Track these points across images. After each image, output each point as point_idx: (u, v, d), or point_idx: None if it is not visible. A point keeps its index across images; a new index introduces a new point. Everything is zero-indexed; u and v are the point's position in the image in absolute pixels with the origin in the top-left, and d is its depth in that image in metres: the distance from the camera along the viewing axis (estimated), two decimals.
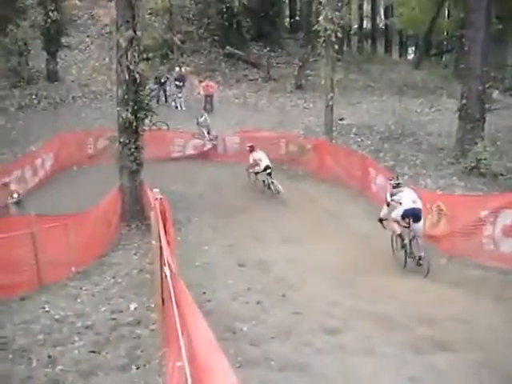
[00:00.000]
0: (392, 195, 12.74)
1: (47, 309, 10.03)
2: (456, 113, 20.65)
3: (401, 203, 12.48)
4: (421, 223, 12.44)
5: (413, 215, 12.27)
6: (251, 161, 19.34)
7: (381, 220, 12.94)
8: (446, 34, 39.42)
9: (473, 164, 18.60)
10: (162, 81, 27.50)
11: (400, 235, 12.69)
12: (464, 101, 20.01)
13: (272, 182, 18.71)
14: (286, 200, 18.09)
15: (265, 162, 19.00)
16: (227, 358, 2.93)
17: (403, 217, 12.42)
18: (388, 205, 12.89)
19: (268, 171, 18.82)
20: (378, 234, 13.71)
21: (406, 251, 12.50)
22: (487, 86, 20.20)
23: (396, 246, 12.98)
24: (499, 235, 12.08)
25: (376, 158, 20.34)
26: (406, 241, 12.51)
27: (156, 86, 26.77)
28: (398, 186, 12.95)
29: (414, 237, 12.42)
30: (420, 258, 12.07)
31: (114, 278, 11.98)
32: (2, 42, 27.97)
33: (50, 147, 20.85)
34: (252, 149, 19.60)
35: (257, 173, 19.27)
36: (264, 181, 19.08)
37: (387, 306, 9.60)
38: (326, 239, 14.59)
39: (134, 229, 15.56)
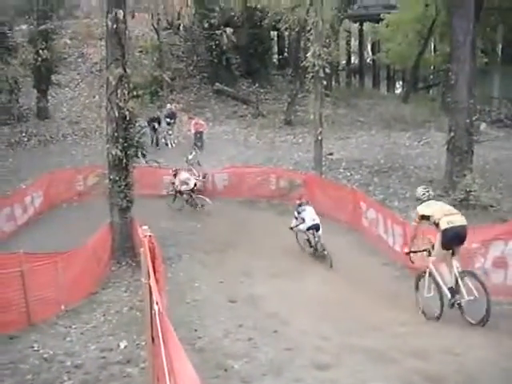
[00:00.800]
0: (298, 212, 16.98)
1: (36, 348, 9.92)
2: (444, 145, 20.80)
3: (304, 219, 16.71)
4: (320, 231, 16.51)
5: (315, 228, 16.50)
6: (177, 182, 20.98)
7: (291, 228, 17.05)
8: (432, 68, 39.87)
9: (462, 196, 18.66)
10: (155, 116, 27.31)
11: (308, 240, 16.89)
12: (452, 134, 20.17)
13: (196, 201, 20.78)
14: (277, 235, 18.06)
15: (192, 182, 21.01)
16: None
17: (308, 229, 16.63)
18: (296, 218, 17.00)
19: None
20: (368, 267, 13.71)
21: (314, 249, 16.67)
22: (474, 118, 20.41)
23: (305, 246, 17.11)
24: (490, 267, 12.09)
25: (366, 191, 20.41)
26: (313, 243, 16.64)
27: (147, 127, 26.68)
28: (300, 205, 17.23)
29: (317, 241, 16.50)
30: (323, 252, 16.14)
31: (103, 315, 11.88)
32: None
33: (39, 185, 20.82)
34: (176, 172, 21.21)
35: (181, 193, 20.93)
36: (187, 200, 20.90)
37: (376, 340, 9.55)
38: (316, 274, 14.57)
39: (124, 266, 15.48)
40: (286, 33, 35.66)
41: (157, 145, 27.15)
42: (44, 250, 13.18)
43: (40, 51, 28.07)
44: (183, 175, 21.13)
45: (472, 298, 10.17)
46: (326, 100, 23.30)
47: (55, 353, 9.59)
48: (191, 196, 20.94)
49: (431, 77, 41.26)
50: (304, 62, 22.25)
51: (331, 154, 25.40)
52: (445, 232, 10.26)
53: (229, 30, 30.15)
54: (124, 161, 15.51)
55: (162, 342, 4.34)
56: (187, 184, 20.81)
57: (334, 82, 38.62)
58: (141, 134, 16.58)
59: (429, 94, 40.34)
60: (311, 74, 21.49)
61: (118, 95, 15.02)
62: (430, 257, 10.93)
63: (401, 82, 45.76)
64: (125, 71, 15.05)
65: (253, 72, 36.11)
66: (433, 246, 10.83)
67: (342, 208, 19.30)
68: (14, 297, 11.20)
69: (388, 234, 16.50)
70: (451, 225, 10.23)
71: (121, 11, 14.66)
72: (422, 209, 10.79)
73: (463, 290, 10.32)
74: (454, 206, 18.28)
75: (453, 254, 10.55)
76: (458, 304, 10.43)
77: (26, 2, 29.41)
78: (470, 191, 18.60)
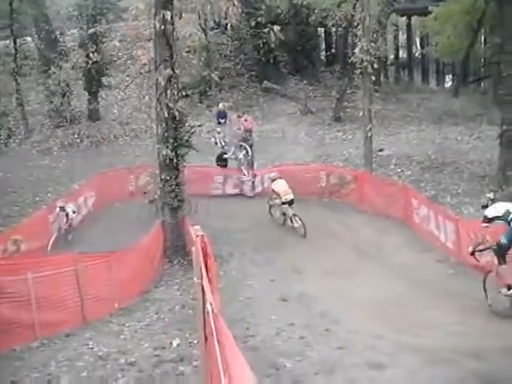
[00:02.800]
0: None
1: (91, 345, 10.11)
2: (497, 139, 20.40)
3: (279, 194, 18.42)
4: (293, 205, 18.22)
5: (289, 202, 18.18)
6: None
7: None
8: (483, 60, 39.04)
9: None
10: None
11: (284, 213, 18.55)
12: (504, 127, 19.78)
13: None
14: (328, 233, 17.98)
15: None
16: None
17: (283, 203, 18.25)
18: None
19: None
20: (421, 264, 13.53)
21: (290, 220, 18.29)
22: None
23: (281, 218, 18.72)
24: None
25: (417, 188, 20.16)
26: (290, 215, 18.26)
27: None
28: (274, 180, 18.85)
29: (293, 214, 18.16)
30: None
31: (156, 314, 12.03)
32: (46, 84, 28.71)
33: (92, 185, 21.15)
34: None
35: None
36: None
37: (431, 339, 9.41)
38: (368, 271, 14.45)
39: (176, 265, 15.62)
40: (333, 29, 35.40)
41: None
42: (98, 250, 13.40)
43: (90, 54, 28.44)
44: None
45: None
46: (374, 96, 22.98)
47: (109, 350, 9.75)
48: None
49: (482, 70, 40.36)
50: (352, 58, 22.02)
51: (381, 150, 25.13)
52: None
53: (276, 28, 30.14)
54: (174, 160, 15.65)
55: (217, 342, 4.36)
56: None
57: (382, 78, 38.08)
58: (190, 133, 16.67)
59: (480, 88, 39.46)
60: (359, 70, 21.29)
61: (168, 95, 15.17)
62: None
63: (451, 76, 44.86)
64: (173, 72, 15.18)
65: (301, 69, 35.93)
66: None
67: (393, 205, 19.10)
68: (69, 296, 11.45)
69: (440, 231, 16.27)
70: None
71: (168, 12, 14.79)
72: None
73: None
74: (508, 200, 18.17)
75: None
76: None
77: (75, 7, 29.87)
78: None
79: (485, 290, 11.46)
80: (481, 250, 11.45)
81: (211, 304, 4.85)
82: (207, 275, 5.46)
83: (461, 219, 15.82)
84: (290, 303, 12.38)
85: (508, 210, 11.09)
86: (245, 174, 22.61)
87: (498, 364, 8.25)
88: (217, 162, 23.71)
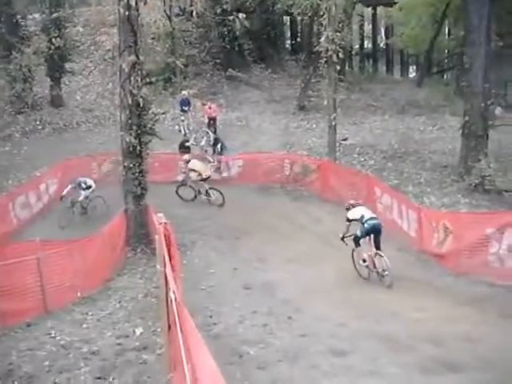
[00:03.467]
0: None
1: (53, 335, 10.02)
2: (459, 130, 20.66)
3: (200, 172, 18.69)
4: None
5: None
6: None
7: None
8: (446, 52, 39.48)
9: (477, 181, 18.58)
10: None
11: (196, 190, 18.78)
12: (467, 118, 20.01)
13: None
14: (291, 221, 18.07)
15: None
16: (234, 382, 2.91)
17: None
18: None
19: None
20: (384, 252, 13.66)
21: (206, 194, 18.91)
22: (489, 102, 20.21)
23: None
24: (505, 252, 12.06)
25: (380, 177, 20.34)
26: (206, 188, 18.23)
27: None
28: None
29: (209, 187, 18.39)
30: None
31: (119, 302, 11.97)
32: (7, 69, 28.17)
33: (54, 172, 20.89)
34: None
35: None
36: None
37: (392, 326, 9.54)
38: (330, 259, 14.56)
39: (139, 253, 15.53)
40: (299, 18, 35.34)
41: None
42: (59, 238, 13.27)
43: (53, 39, 27.97)
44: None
45: None
46: (339, 85, 23.05)
47: (72, 339, 9.68)
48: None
49: (445, 61, 40.85)
50: (317, 47, 22.09)
51: (345, 139, 25.27)
52: None
53: (241, 16, 29.94)
54: (138, 148, 15.52)
55: (180, 330, 4.36)
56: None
57: (347, 67, 38.33)
58: (154, 120, 16.55)
59: (443, 79, 39.97)
60: (324, 59, 21.34)
61: (132, 82, 15.01)
62: None
63: (415, 67, 45.38)
64: (138, 58, 15.02)
65: (265, 57, 35.90)
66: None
67: (356, 193, 19.24)
68: (31, 284, 11.31)
69: (403, 220, 16.46)
70: None
71: None
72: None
73: None
74: (469, 190, 18.49)
75: None
76: None
77: None
78: (485, 176, 18.52)
79: (353, 263, 14.01)
80: (346, 237, 14.01)
81: (174, 292, 4.85)
82: (170, 263, 5.45)
83: (423, 208, 16.02)
84: (253, 291, 12.43)
85: (363, 215, 13.75)
86: (210, 161, 22.59)
87: (457, 349, 8.41)
88: (179, 149, 23.66)
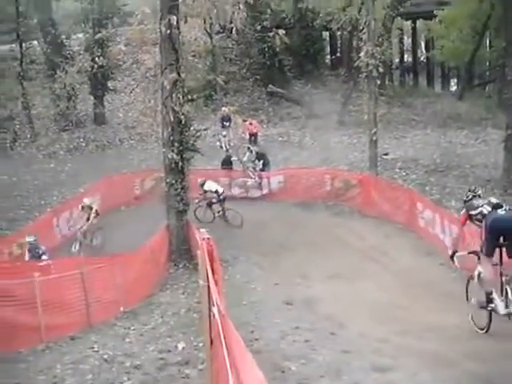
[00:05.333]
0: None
1: (96, 348, 10.14)
2: (502, 143, 20.39)
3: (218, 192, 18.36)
4: None
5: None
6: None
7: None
8: (488, 64, 39.03)
9: None
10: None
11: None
12: (509, 131, 19.78)
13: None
14: (333, 237, 17.98)
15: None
16: None
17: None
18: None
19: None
20: (425, 268, 13.56)
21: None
22: None
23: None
24: None
25: (422, 191, 20.15)
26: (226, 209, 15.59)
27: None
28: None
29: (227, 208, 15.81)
30: None
31: (161, 317, 12.06)
32: (51, 88, 28.81)
33: (97, 188, 21.19)
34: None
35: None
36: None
37: (434, 342, 9.41)
38: (373, 275, 14.46)
39: (181, 268, 15.65)
40: (338, 33, 35.48)
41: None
42: (104, 253, 13.45)
43: (96, 58, 28.60)
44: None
45: None
46: (379, 99, 23.06)
47: (114, 353, 9.77)
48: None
49: (487, 73, 40.34)
50: (357, 62, 22.11)
51: (386, 153, 25.12)
52: None
53: (281, 32, 30.06)
54: (180, 164, 15.69)
55: (225, 344, 4.38)
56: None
57: (387, 81, 38.08)
58: (196, 137, 16.72)
59: (485, 91, 39.44)
60: (365, 74, 21.33)
61: (173, 99, 15.21)
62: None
63: (456, 80, 44.82)
64: (179, 76, 15.23)
65: (306, 73, 35.96)
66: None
67: (398, 208, 19.10)
68: (75, 299, 11.49)
69: (445, 234, 16.26)
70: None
71: (174, 17, 14.85)
72: None
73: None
74: None
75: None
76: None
77: (81, 11, 30.00)
78: None
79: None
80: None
81: (218, 306, 4.88)
82: (213, 278, 5.49)
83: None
84: (294, 307, 12.39)
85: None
86: (251, 177, 22.66)
87: (498, 366, 8.25)
88: (222, 165, 23.77)
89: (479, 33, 33.94)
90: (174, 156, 15.54)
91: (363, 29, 21.31)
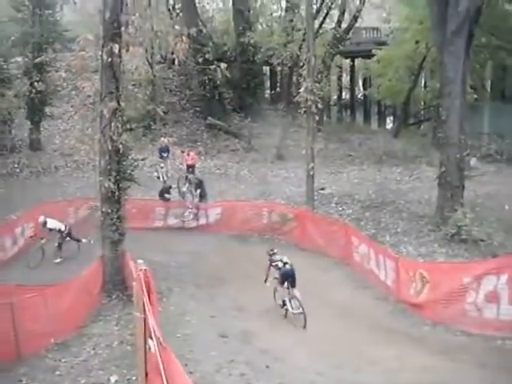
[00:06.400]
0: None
1: (25, 381, 9.83)
2: (435, 180, 20.89)
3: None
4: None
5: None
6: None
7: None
8: (423, 103, 40.19)
9: (454, 231, 18.70)
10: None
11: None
12: (443, 168, 20.25)
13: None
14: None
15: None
16: None
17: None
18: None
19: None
20: (361, 302, 13.66)
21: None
22: (465, 153, 20.53)
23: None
24: (482, 301, 12.11)
25: (357, 226, 20.42)
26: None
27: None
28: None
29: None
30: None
31: (93, 349, 11.77)
32: None
33: (30, 216, 20.69)
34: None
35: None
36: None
37: (371, 375, 9.48)
38: (309, 308, 14.47)
39: (114, 299, 15.32)
40: (279, 68, 35.94)
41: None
42: (34, 283, 13.09)
43: (35, 83, 28.22)
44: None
45: None
46: (317, 135, 23.41)
47: None
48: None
49: (422, 112, 41.53)
50: (296, 97, 22.41)
51: (323, 188, 25.44)
52: None
53: (222, 65, 30.40)
54: (116, 193, 15.47)
55: (164, 374, 4.31)
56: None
57: (325, 117, 38.84)
58: (133, 166, 16.57)
59: (419, 130, 40.56)
60: (303, 109, 21.62)
61: (112, 128, 15.04)
62: None
63: (392, 118, 46.05)
64: (119, 104, 15.09)
65: (245, 106, 36.27)
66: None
67: (333, 242, 19.29)
68: (4, 329, 11.09)
69: (380, 269, 16.49)
70: None
71: (116, 45, 14.76)
72: None
73: None
74: (446, 240, 18.61)
75: None
76: None
77: (21, 35, 29.55)
78: (462, 226, 18.65)
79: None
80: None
81: (158, 338, 4.80)
82: (151, 309, 5.40)
83: (400, 258, 16.08)
84: (230, 340, 12.30)
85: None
86: (188, 207, 22.58)
87: None
88: (160, 195, 23.60)
89: (415, 73, 35.06)
90: (111, 185, 15.31)
91: (303, 65, 21.67)
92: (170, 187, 23.82)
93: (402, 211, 22.57)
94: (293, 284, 14.67)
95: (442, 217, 19.85)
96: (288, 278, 14.74)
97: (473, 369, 9.74)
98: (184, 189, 23.54)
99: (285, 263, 15.10)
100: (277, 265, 15.15)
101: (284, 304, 14.58)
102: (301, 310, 13.96)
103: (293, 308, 14.27)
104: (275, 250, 15.87)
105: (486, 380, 9.06)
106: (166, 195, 23.43)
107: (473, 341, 11.41)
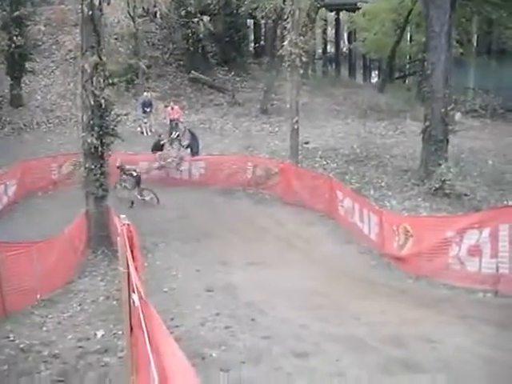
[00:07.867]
0: None
1: (12, 338, 9.82)
2: (420, 135, 20.91)
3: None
4: None
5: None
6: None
7: None
8: (408, 57, 40.04)
9: (437, 185, 18.81)
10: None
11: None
12: (427, 123, 20.26)
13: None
14: (254, 224, 18.08)
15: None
16: None
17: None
18: None
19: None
20: (344, 256, 13.78)
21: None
22: (450, 108, 20.50)
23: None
24: (465, 255, 12.23)
25: (342, 180, 20.47)
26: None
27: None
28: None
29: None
30: None
31: (80, 305, 11.82)
32: None
33: (13, 173, 20.57)
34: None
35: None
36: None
37: (355, 328, 9.61)
38: (293, 262, 14.61)
39: (100, 255, 15.38)
40: (263, 21, 35.61)
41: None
42: (19, 240, 13.06)
43: (14, 38, 27.72)
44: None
45: None
46: (302, 89, 23.27)
47: (31, 343, 9.50)
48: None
49: (407, 66, 41.42)
50: (280, 51, 22.22)
51: (307, 142, 25.41)
52: None
53: (205, 18, 29.94)
54: (99, 149, 15.38)
55: (146, 329, 4.33)
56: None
57: (310, 71, 38.62)
58: (116, 121, 16.42)
59: (405, 84, 40.47)
60: (288, 63, 21.44)
61: (94, 83, 14.87)
62: None
63: (377, 72, 45.87)
64: (100, 59, 14.89)
65: (229, 60, 35.97)
66: None
67: (318, 197, 19.36)
68: None
69: (364, 223, 16.60)
70: None
71: None
72: None
73: None
74: (429, 194, 18.75)
75: None
76: None
77: None
78: (445, 180, 18.75)
79: None
80: None
81: (139, 292, 4.81)
82: (133, 264, 5.41)
83: (384, 212, 16.18)
84: (215, 293, 12.38)
85: None
86: (172, 155, 22.67)
87: (418, 350, 8.51)
88: (152, 150, 23.48)
89: (401, 27, 34.78)
90: (94, 141, 15.20)
91: (287, 18, 21.40)
92: (162, 141, 23.68)
93: (387, 165, 22.66)
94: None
95: (426, 171, 19.93)
96: None
97: (455, 321, 9.88)
98: (174, 135, 23.54)
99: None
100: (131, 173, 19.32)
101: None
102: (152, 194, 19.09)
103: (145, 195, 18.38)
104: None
105: (468, 332, 9.21)
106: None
107: (455, 294, 11.56)
